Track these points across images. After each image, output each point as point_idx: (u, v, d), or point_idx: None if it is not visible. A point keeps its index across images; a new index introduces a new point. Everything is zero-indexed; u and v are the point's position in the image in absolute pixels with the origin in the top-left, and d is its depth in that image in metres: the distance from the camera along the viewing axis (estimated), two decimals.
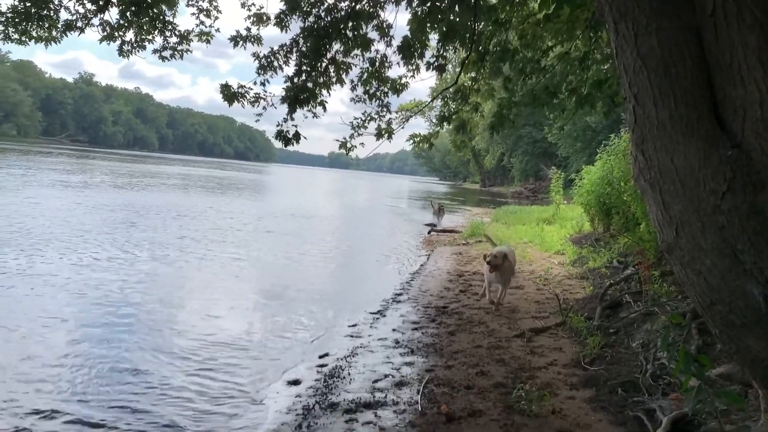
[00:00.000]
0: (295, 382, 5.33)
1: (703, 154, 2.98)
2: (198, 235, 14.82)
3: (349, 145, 8.47)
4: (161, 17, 8.67)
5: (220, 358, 5.92)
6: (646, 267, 6.86)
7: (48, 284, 8.44)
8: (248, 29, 8.38)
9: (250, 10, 8.49)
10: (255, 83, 8.17)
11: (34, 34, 8.32)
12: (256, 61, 8.24)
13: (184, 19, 9.51)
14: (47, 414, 4.41)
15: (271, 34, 9.18)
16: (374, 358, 5.89)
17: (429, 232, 19.13)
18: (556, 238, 14.60)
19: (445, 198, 48.70)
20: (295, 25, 8.35)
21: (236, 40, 8.27)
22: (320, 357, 6.07)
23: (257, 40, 8.37)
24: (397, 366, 5.56)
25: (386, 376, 5.29)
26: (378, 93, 8.77)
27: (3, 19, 8.01)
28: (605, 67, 8.14)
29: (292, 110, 8.01)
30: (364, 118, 8.49)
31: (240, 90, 8.06)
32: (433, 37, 8.32)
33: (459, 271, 11.15)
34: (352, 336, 6.82)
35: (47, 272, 9.09)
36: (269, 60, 8.21)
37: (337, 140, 8.47)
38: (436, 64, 8.30)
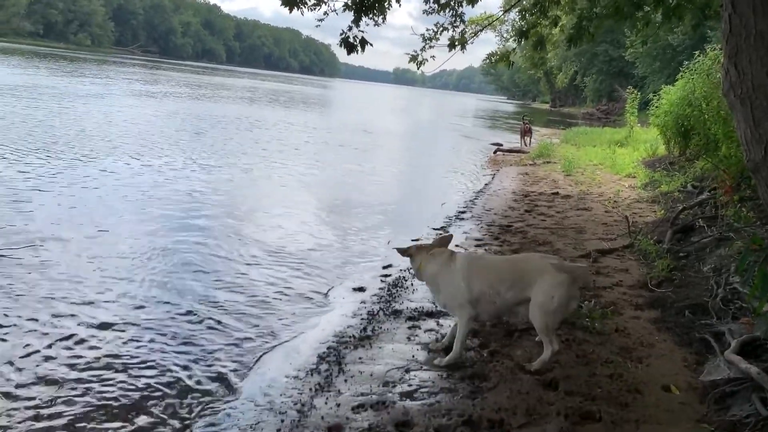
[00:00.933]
0: (360, 289, 5.51)
1: None
2: (268, 147, 15.34)
3: (420, 58, 8.26)
4: None
5: (289, 265, 6.13)
6: (727, 189, 6.56)
7: (130, 187, 8.92)
8: None
9: None
10: None
11: None
12: None
13: None
14: (136, 302, 4.74)
15: None
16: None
17: (495, 152, 18.81)
18: (628, 160, 14.11)
19: (511, 118, 47.52)
20: None
21: None
22: (384, 267, 6.21)
23: None
24: None
25: None
26: (451, 2, 8.45)
27: None
28: None
29: (357, 17, 7.79)
30: (436, 29, 8.22)
31: None
32: None
33: (525, 191, 11.00)
34: None
35: (128, 176, 9.65)
36: None
37: (407, 54, 8.28)
38: None
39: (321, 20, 8.02)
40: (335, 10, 7.91)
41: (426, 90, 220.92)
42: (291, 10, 7.76)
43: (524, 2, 8.72)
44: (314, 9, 7.86)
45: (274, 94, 46.32)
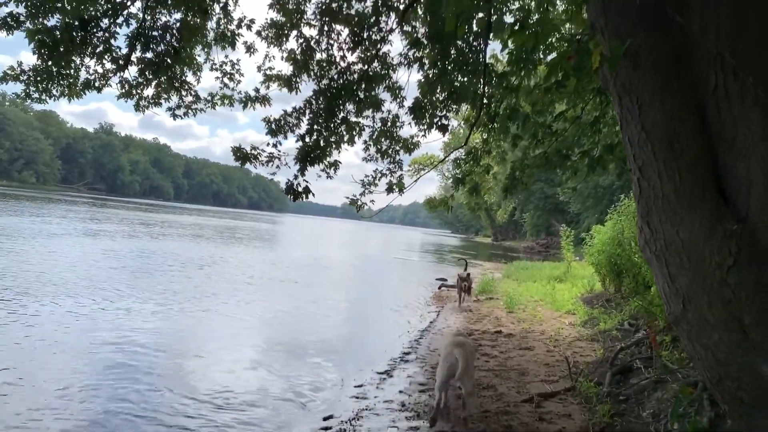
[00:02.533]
0: None
1: (708, 228, 2.98)
2: (209, 286, 14.99)
3: (359, 202, 8.56)
4: (179, 76, 8.95)
5: (220, 418, 5.84)
6: (653, 336, 6.76)
7: (64, 332, 8.53)
8: (257, 90, 8.68)
9: (266, 74, 8.80)
10: (268, 144, 8.37)
11: (54, 92, 8.58)
12: (266, 126, 8.47)
13: (206, 80, 9.88)
14: None
15: (281, 95, 9.50)
16: (379, 421, 5.79)
17: (439, 288, 18.98)
18: (567, 296, 14.45)
19: (456, 252, 48.57)
20: (307, 87, 8.65)
21: (245, 102, 8.54)
22: (324, 419, 5.96)
23: (266, 100, 8.62)
24: (402, 431, 5.46)
25: None
26: (389, 150, 8.93)
27: (25, 78, 8.26)
28: (616, 128, 8.24)
29: (303, 168, 8.15)
30: (374, 176, 8.61)
31: (252, 152, 8.22)
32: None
33: (468, 330, 11.00)
34: (357, 397, 6.72)
35: (62, 320, 9.21)
36: (279, 124, 8.43)
37: (347, 198, 8.56)
38: (439, 123, 8.47)
39: (273, 174, 8.39)
40: (287, 164, 8.28)
41: (373, 224, 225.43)
42: (243, 164, 8.12)
43: (460, 151, 9.29)
44: (266, 165, 8.22)
45: (223, 230, 46.33)
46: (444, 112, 8.50)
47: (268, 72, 8.91)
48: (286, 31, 8.85)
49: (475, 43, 8.17)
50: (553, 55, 7.02)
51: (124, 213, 54.24)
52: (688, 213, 3.06)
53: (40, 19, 7.89)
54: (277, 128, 8.47)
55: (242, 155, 8.14)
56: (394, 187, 8.66)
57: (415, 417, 5.87)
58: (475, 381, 7.18)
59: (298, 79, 8.90)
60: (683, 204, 3.08)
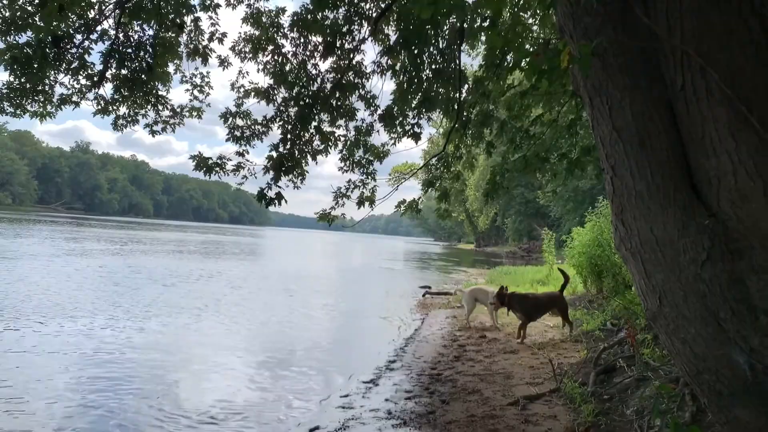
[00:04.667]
0: None
1: (681, 224, 3.02)
2: (195, 299, 15.05)
3: (330, 215, 8.50)
4: (154, 92, 8.89)
5: (208, 429, 5.79)
6: (632, 335, 6.82)
7: (46, 352, 8.43)
8: (238, 105, 8.62)
9: (239, 91, 8.76)
10: (238, 153, 8.25)
11: (29, 108, 8.48)
12: (229, 133, 8.37)
13: (177, 93, 9.80)
14: None
15: (258, 107, 9.45)
16: (366, 430, 5.76)
17: (423, 295, 19.01)
18: None
19: (439, 259, 48.70)
20: (280, 98, 8.60)
21: (226, 117, 8.50)
22: (311, 430, 5.92)
23: (246, 115, 8.58)
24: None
25: None
26: (362, 161, 8.92)
27: None
28: (591, 131, 8.34)
29: (277, 177, 8.08)
30: (347, 187, 8.55)
31: (218, 161, 8.02)
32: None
33: (453, 336, 11.03)
34: (343, 407, 6.68)
35: (44, 341, 9.11)
36: (243, 132, 8.35)
37: (316, 213, 8.50)
38: (411, 131, 8.50)
39: (241, 184, 8.24)
40: (255, 174, 8.16)
41: (356, 234, 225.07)
42: (207, 175, 7.92)
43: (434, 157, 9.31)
44: (234, 174, 8.08)
45: (207, 245, 46.07)
46: (416, 120, 8.52)
47: (245, 87, 8.87)
48: (263, 44, 8.84)
49: (447, 51, 8.22)
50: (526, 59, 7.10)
51: (105, 231, 53.71)
52: (661, 209, 3.10)
53: (12, 37, 7.80)
54: (241, 135, 8.38)
55: (206, 165, 7.88)
56: (365, 200, 8.58)
57: (401, 425, 5.85)
58: (459, 387, 7.21)
59: (275, 91, 8.87)
60: (656, 201, 3.12)
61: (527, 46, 7.50)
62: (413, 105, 8.29)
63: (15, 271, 18.16)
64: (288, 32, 8.79)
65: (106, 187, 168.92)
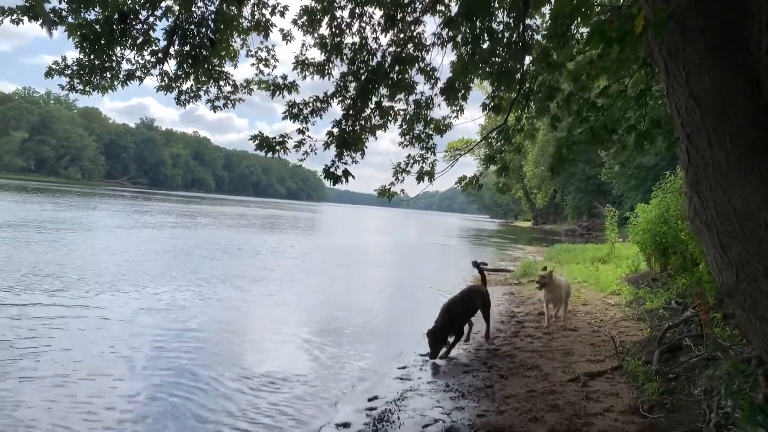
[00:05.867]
0: (345, 425, 5.29)
1: (762, 194, 2.88)
2: (258, 271, 15.73)
3: (390, 191, 8.47)
4: (216, 68, 9.03)
5: (269, 398, 5.95)
6: (705, 311, 6.57)
7: (113, 324, 8.77)
8: (285, 77, 8.64)
9: (297, 60, 8.77)
10: (299, 131, 8.26)
11: (97, 84, 8.76)
12: (287, 110, 8.38)
13: (242, 69, 9.88)
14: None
15: (314, 85, 9.50)
16: (424, 402, 5.80)
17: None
18: (611, 277, 14.19)
19: (495, 236, 48.26)
20: (336, 72, 8.57)
21: (273, 90, 8.54)
22: (369, 400, 6.00)
23: (294, 87, 8.60)
24: (447, 411, 5.46)
25: (436, 421, 5.19)
26: (422, 135, 8.85)
27: (69, 72, 8.46)
28: (662, 102, 7.99)
29: (340, 154, 8.10)
30: (407, 162, 8.51)
31: (278, 138, 8.05)
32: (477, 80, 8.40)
33: (511, 312, 10.94)
34: (401, 378, 6.74)
35: (113, 312, 9.50)
36: (300, 108, 8.35)
37: (376, 189, 8.50)
38: (491, 105, 8.34)
39: (302, 160, 8.32)
40: (315, 150, 8.20)
41: (410, 211, 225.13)
42: (269, 154, 7.98)
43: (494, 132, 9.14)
44: (295, 151, 8.13)
45: (267, 219, 47.23)
46: (496, 93, 8.33)
47: (300, 58, 8.87)
48: (318, 17, 8.81)
49: (509, 20, 8.01)
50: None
51: (172, 205, 55.64)
52: (740, 180, 2.95)
53: (81, 14, 8.05)
54: (299, 112, 8.37)
55: (266, 144, 7.88)
56: (425, 174, 8.52)
57: (459, 397, 5.86)
58: (518, 362, 7.16)
59: (330, 65, 8.86)
60: (735, 171, 2.97)
61: (596, 10, 7.21)
62: (487, 78, 8.11)
63: (93, 242, 19.15)
64: (346, 3, 8.73)
65: (169, 163, 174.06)
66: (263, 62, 9.36)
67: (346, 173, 8.13)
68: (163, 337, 8.12)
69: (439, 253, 29.41)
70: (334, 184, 8.35)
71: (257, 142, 7.99)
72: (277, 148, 8.04)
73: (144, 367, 6.81)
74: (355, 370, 7.24)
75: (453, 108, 8.63)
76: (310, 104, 8.61)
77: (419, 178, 8.41)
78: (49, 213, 29.59)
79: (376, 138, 8.54)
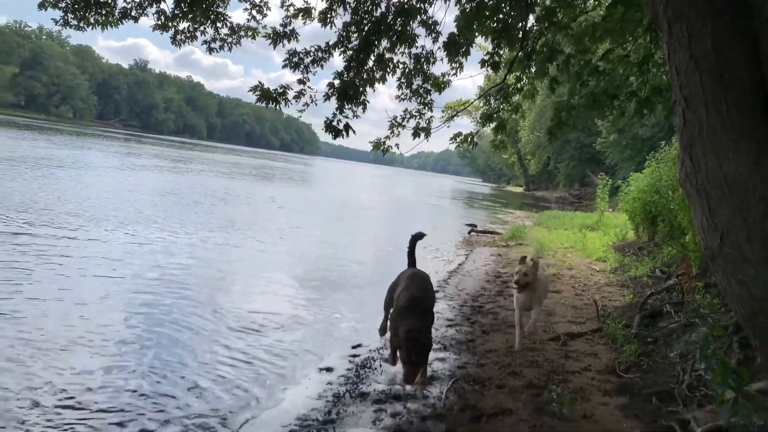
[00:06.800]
0: (328, 370, 5.40)
1: (754, 161, 2.90)
2: (249, 221, 15.98)
3: (385, 144, 8.42)
4: (213, 8, 8.85)
5: (256, 344, 6.04)
6: (689, 276, 6.68)
7: (105, 263, 8.84)
8: (284, 25, 8.43)
9: (288, 10, 8.56)
10: (299, 81, 8.12)
11: (91, 20, 8.57)
12: (287, 59, 8.21)
13: (236, 15, 9.65)
14: (96, 388, 4.58)
15: (314, 33, 9.25)
16: None
17: (469, 232, 19.02)
18: (598, 244, 14.34)
19: (487, 199, 48.40)
20: (338, 21, 8.39)
21: (274, 39, 8.37)
22: (353, 347, 6.12)
23: (293, 35, 8.42)
24: (428, 361, 5.56)
25: None
26: (420, 90, 8.77)
27: (63, 5, 8.28)
28: (663, 69, 7.92)
29: (341, 107, 8.01)
30: (403, 116, 8.42)
31: (279, 90, 7.90)
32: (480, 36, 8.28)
33: (497, 272, 11.07)
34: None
35: (104, 250, 9.62)
36: (300, 58, 8.18)
37: (371, 142, 8.45)
38: (490, 61, 8.25)
39: (302, 111, 8.22)
40: (315, 101, 8.08)
41: (404, 170, 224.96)
42: (269, 105, 7.84)
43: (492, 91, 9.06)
44: (294, 103, 8.00)
45: (260, 169, 47.14)
46: (495, 50, 8.21)
47: (299, 4, 8.67)
48: None
49: None
50: None
51: (163, 150, 55.41)
52: (733, 146, 2.96)
53: None
54: (299, 61, 8.21)
55: (267, 96, 7.69)
56: (420, 130, 8.44)
57: (441, 349, 5.97)
58: (501, 320, 7.28)
59: (333, 13, 8.67)
60: (729, 137, 2.98)
61: None
62: (489, 35, 7.98)
63: (83, 181, 19.15)
64: None
65: (162, 107, 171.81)
66: (256, 8, 9.15)
67: (348, 127, 8.06)
68: (153, 279, 8.22)
69: (431, 212, 29.53)
70: (335, 138, 8.24)
71: (258, 94, 7.84)
72: (279, 99, 7.92)
73: (127, 308, 6.89)
74: (340, 319, 7.35)
75: (453, 65, 8.54)
76: (312, 53, 8.45)
77: (415, 133, 8.35)
78: (43, 150, 29.34)
79: (374, 90, 8.44)
